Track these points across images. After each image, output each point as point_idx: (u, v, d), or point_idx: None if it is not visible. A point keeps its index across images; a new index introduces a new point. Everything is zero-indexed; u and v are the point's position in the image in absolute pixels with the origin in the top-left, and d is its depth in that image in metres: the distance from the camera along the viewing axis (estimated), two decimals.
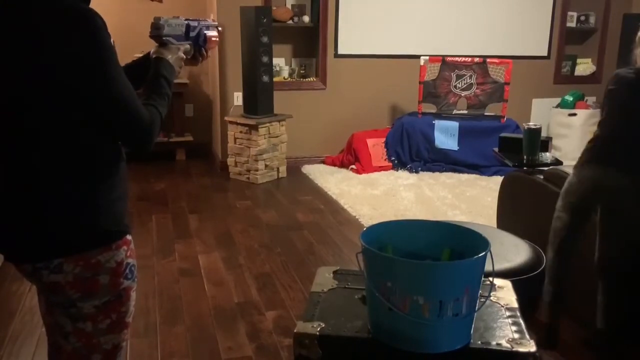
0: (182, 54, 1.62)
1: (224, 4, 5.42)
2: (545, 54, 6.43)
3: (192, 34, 1.68)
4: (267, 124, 5.23)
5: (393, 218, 3.92)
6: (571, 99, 6.24)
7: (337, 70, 5.87)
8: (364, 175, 5.43)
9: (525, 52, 6.31)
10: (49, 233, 1.35)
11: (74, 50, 1.26)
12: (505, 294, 1.57)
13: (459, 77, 5.76)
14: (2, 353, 2.58)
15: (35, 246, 1.36)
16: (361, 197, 4.80)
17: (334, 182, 5.24)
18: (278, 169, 5.43)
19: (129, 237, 1.45)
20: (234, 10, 5.26)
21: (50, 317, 1.47)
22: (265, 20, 5.09)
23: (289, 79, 5.90)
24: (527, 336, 1.36)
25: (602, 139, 2.53)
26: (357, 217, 4.37)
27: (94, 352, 1.44)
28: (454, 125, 5.67)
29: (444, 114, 5.79)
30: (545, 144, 3.48)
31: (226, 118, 5.41)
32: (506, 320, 1.44)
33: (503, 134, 3.86)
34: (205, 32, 1.72)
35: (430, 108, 5.82)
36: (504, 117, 5.72)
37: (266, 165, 5.30)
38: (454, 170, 5.58)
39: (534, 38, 6.36)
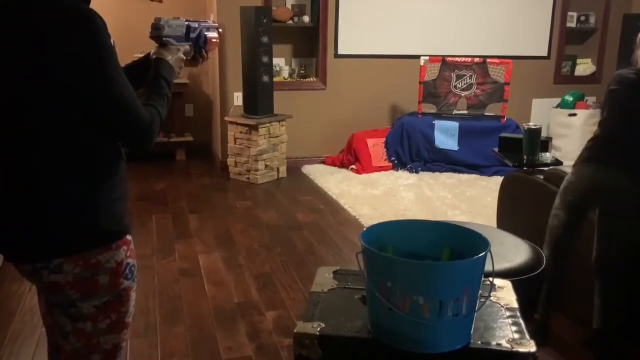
0: (182, 55, 1.62)
1: (224, 4, 5.43)
2: (545, 54, 6.43)
3: (193, 35, 1.68)
4: (267, 124, 5.23)
5: (393, 218, 3.92)
6: (571, 99, 6.24)
7: (337, 70, 5.87)
8: (364, 175, 5.43)
9: (525, 52, 6.31)
10: (48, 233, 1.35)
11: (74, 50, 1.26)
12: (505, 294, 1.57)
13: (459, 77, 5.76)
14: (2, 353, 2.58)
15: (35, 246, 1.36)
16: (361, 197, 4.80)
17: (334, 182, 5.24)
18: (278, 169, 5.43)
19: (129, 237, 1.45)
20: (234, 10, 5.26)
21: (50, 317, 1.47)
22: (265, 20, 5.09)
23: (289, 79, 5.90)
24: (527, 336, 1.36)
25: (602, 139, 2.53)
26: (357, 217, 4.37)
27: (93, 352, 1.44)
28: (454, 125, 5.67)
29: (444, 114, 5.79)
30: (545, 144, 3.48)
31: (226, 118, 5.41)
32: (506, 320, 1.44)
33: (503, 134, 3.86)
34: (205, 33, 1.72)
35: (430, 108, 5.82)
36: (504, 117, 5.72)
37: (266, 165, 5.31)
38: (454, 170, 5.58)
39: (534, 38, 6.36)
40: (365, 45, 5.90)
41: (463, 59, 5.74)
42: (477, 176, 5.46)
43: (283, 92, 5.58)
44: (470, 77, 5.75)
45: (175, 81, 1.61)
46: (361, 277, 1.44)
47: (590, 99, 6.44)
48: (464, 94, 5.80)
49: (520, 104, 6.29)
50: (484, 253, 1.30)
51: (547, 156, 3.45)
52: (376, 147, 5.70)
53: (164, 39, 1.58)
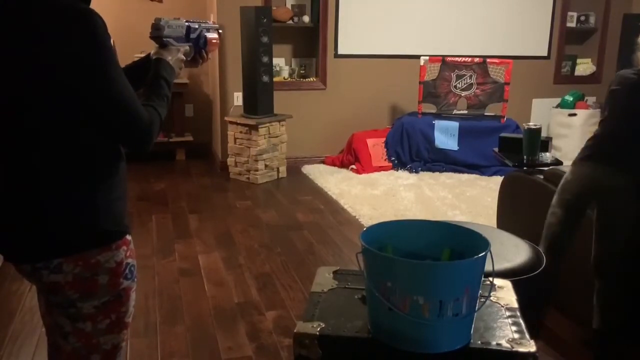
0: (182, 56, 1.63)
1: (224, 4, 5.43)
2: (545, 54, 6.43)
3: (193, 35, 1.68)
4: (267, 124, 5.23)
5: (393, 218, 3.92)
6: (571, 99, 6.24)
7: (337, 70, 5.87)
8: (364, 175, 5.43)
9: (525, 52, 6.31)
10: (48, 233, 1.35)
11: (74, 50, 1.26)
12: (505, 294, 1.57)
13: (459, 77, 5.76)
14: (2, 353, 2.58)
15: (35, 246, 1.36)
16: (361, 197, 4.80)
17: (334, 182, 5.24)
18: (278, 169, 5.43)
19: (128, 237, 1.45)
20: (234, 10, 5.27)
21: (50, 317, 1.47)
22: (265, 20, 5.09)
23: (289, 79, 5.90)
24: (527, 336, 1.36)
25: (601, 138, 2.54)
26: (357, 217, 4.37)
27: (93, 352, 1.44)
28: (454, 125, 5.67)
29: (444, 114, 5.79)
30: (545, 144, 3.48)
31: (226, 118, 5.41)
32: (506, 320, 1.44)
33: (503, 134, 3.86)
34: (205, 34, 1.72)
35: (430, 108, 5.83)
36: (504, 117, 5.72)
37: (266, 165, 5.31)
38: (454, 170, 5.58)
39: (534, 38, 6.36)
40: (365, 45, 5.90)
41: (463, 59, 5.75)
42: (477, 176, 5.46)
43: (283, 92, 5.59)
44: (470, 77, 5.75)
45: (175, 81, 1.61)
46: (361, 277, 1.44)
47: (590, 99, 6.44)
48: (464, 94, 5.80)
49: (520, 104, 6.29)
50: (484, 253, 1.30)
51: (547, 156, 3.45)
52: (376, 147, 5.70)
53: (164, 39, 1.58)
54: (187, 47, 1.66)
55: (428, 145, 5.67)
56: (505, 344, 1.33)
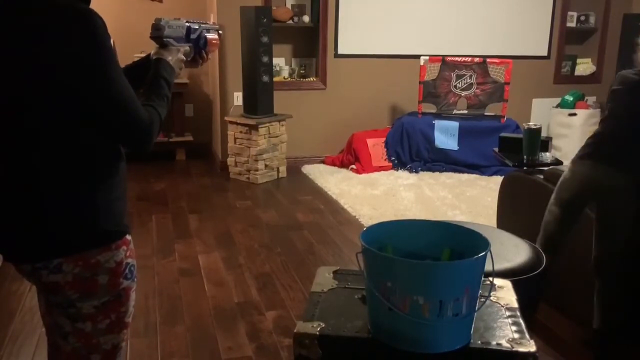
0: (183, 56, 1.63)
1: (224, 4, 5.43)
2: (545, 54, 6.43)
3: (193, 36, 1.68)
4: (267, 124, 5.23)
5: (393, 218, 3.92)
6: (571, 99, 6.24)
7: (337, 70, 5.88)
8: (364, 175, 5.43)
9: (525, 52, 6.31)
10: (48, 233, 1.35)
11: (74, 50, 1.26)
12: (505, 294, 1.57)
13: (459, 77, 5.76)
14: (2, 353, 2.58)
15: (35, 246, 1.36)
16: (361, 197, 4.80)
17: (334, 182, 5.24)
18: (278, 169, 5.43)
19: (128, 237, 1.45)
20: (234, 10, 5.27)
21: (50, 317, 1.47)
22: (265, 20, 5.09)
23: (289, 79, 5.90)
24: (527, 336, 1.36)
25: (601, 137, 2.54)
26: (357, 217, 4.37)
27: (93, 352, 1.44)
28: (454, 125, 5.67)
29: (444, 114, 5.79)
30: (545, 144, 3.48)
31: (226, 118, 5.41)
32: (506, 320, 1.44)
33: (503, 134, 3.86)
34: (205, 34, 1.72)
35: (430, 108, 5.83)
36: (504, 117, 5.72)
37: (266, 165, 5.31)
38: (454, 170, 5.58)
39: (534, 38, 6.36)
40: (365, 45, 5.90)
41: (463, 58, 5.75)
42: (477, 176, 5.46)
43: (283, 92, 5.59)
44: (470, 77, 5.75)
45: (176, 81, 1.61)
46: (361, 277, 1.44)
47: (590, 99, 6.44)
48: (464, 93, 5.80)
49: (520, 104, 6.29)
50: (484, 253, 1.30)
51: (547, 156, 3.45)
52: (376, 147, 5.70)
53: (164, 39, 1.58)
54: (188, 48, 1.66)
55: (428, 145, 5.67)
56: (505, 344, 1.33)
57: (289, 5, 5.83)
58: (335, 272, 1.68)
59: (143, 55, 1.66)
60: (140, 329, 2.78)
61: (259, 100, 5.17)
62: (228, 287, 3.26)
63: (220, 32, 1.82)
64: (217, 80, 5.70)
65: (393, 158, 5.67)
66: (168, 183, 5.25)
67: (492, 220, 3.75)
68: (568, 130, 6.09)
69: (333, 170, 5.65)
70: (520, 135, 3.49)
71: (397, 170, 5.59)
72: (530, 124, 3.40)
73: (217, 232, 4.07)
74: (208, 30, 1.74)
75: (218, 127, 5.80)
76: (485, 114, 5.83)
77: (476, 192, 4.95)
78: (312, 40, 5.91)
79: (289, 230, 4.13)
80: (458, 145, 5.64)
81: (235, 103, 5.56)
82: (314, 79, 5.91)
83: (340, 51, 5.86)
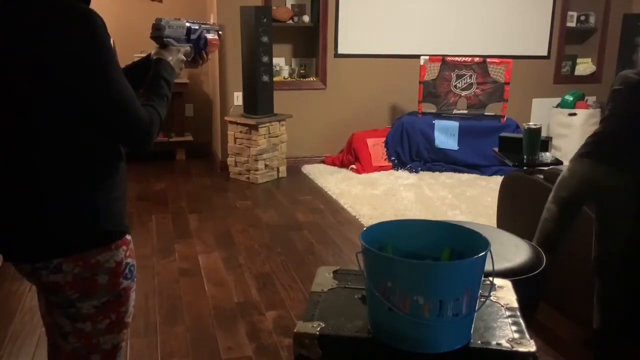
0: (183, 56, 1.63)
1: (224, 4, 5.43)
2: (545, 53, 6.43)
3: (193, 36, 1.68)
4: (267, 124, 5.23)
5: (393, 218, 3.92)
6: (571, 98, 6.24)
7: (337, 70, 5.88)
8: (364, 175, 5.43)
9: (525, 52, 6.31)
10: (48, 233, 1.35)
11: (74, 50, 1.26)
12: (505, 294, 1.57)
13: (459, 77, 5.76)
14: (2, 353, 2.58)
15: (35, 246, 1.36)
16: (361, 197, 4.80)
17: (334, 182, 5.24)
18: (278, 169, 5.43)
19: (128, 237, 1.45)
20: (234, 10, 5.27)
21: (50, 317, 1.47)
22: (265, 20, 5.09)
23: (289, 78, 5.90)
24: (527, 336, 1.36)
25: (602, 136, 2.54)
26: (357, 217, 4.37)
27: (93, 352, 1.44)
28: (454, 125, 5.67)
29: (444, 114, 5.79)
30: (545, 144, 3.48)
31: (226, 118, 5.41)
32: (506, 320, 1.44)
33: (503, 134, 3.86)
34: (206, 35, 1.72)
35: (430, 108, 5.83)
36: (504, 117, 5.72)
37: (266, 165, 5.31)
38: (454, 170, 5.58)
39: (534, 38, 6.36)
40: (365, 45, 5.90)
41: (463, 58, 5.75)
42: (477, 176, 5.46)
43: (283, 92, 5.59)
44: (470, 76, 5.75)
45: (176, 81, 1.61)
46: (361, 277, 1.44)
47: (591, 99, 6.44)
48: (464, 93, 5.80)
49: (520, 104, 6.29)
50: (484, 253, 1.30)
51: (547, 156, 3.45)
52: (376, 147, 5.70)
53: (164, 39, 1.58)
54: (188, 48, 1.66)
55: (428, 145, 5.67)
56: (505, 344, 1.33)
57: (289, 5, 5.83)
58: (335, 272, 1.68)
59: (143, 55, 1.66)
60: (140, 329, 2.78)
61: (259, 100, 5.17)
62: (228, 287, 3.26)
63: (220, 32, 1.82)
64: (217, 80, 5.70)
65: (393, 158, 5.67)
66: (168, 183, 5.25)
67: (492, 220, 3.75)
68: (568, 130, 6.09)
69: (333, 170, 5.65)
70: (520, 135, 3.49)
71: (397, 170, 5.59)
72: (530, 123, 3.40)
73: (217, 232, 4.07)
74: (208, 31, 1.74)
75: (218, 127, 5.81)
76: (485, 114, 5.83)
77: (476, 192, 4.95)
78: (312, 40, 5.91)
79: (289, 230, 4.13)
80: (458, 145, 5.64)
81: (235, 103, 5.56)
82: (314, 79, 5.91)
83: (340, 51, 5.86)
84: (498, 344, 1.33)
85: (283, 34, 5.74)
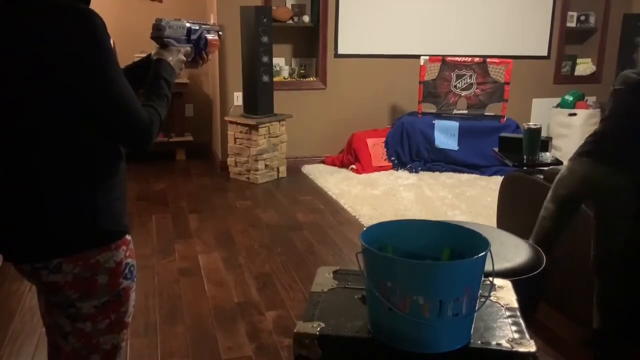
0: (183, 57, 1.63)
1: (224, 4, 5.43)
2: (545, 53, 6.43)
3: (194, 36, 1.68)
4: (267, 124, 5.23)
5: (393, 218, 3.92)
6: (571, 98, 6.24)
7: (337, 70, 5.88)
8: (364, 175, 5.43)
9: (525, 52, 6.31)
10: (48, 233, 1.35)
11: (74, 50, 1.26)
12: (505, 294, 1.57)
13: (459, 77, 5.76)
14: (2, 353, 2.58)
15: (35, 246, 1.36)
16: (361, 197, 4.80)
17: (334, 182, 5.24)
18: (278, 169, 5.43)
19: (128, 237, 1.45)
20: (234, 10, 5.27)
21: (50, 317, 1.47)
22: (265, 20, 5.09)
23: (289, 79, 5.90)
24: (527, 336, 1.36)
25: (602, 136, 2.54)
26: (357, 217, 4.37)
27: (93, 352, 1.44)
28: (454, 125, 5.67)
29: (444, 114, 5.79)
30: (545, 144, 3.48)
31: (226, 118, 5.41)
32: (506, 320, 1.44)
33: (503, 134, 3.87)
34: (206, 35, 1.72)
35: (430, 108, 5.83)
36: (504, 117, 5.72)
37: (266, 165, 5.31)
38: (454, 170, 5.58)
39: (534, 38, 6.36)
40: (365, 45, 5.90)
41: (463, 58, 5.75)
42: (477, 176, 5.46)
43: (283, 92, 5.59)
44: (470, 76, 5.75)
45: (176, 81, 1.61)
46: (361, 277, 1.44)
47: (590, 99, 6.44)
48: (464, 93, 5.80)
49: (520, 104, 6.29)
50: (484, 253, 1.30)
51: (547, 156, 3.45)
52: (376, 147, 5.70)
53: (165, 40, 1.58)
54: (188, 48, 1.66)
55: (428, 145, 5.67)
56: (505, 344, 1.33)
57: (289, 5, 5.83)
58: (335, 272, 1.68)
59: (143, 55, 1.66)
60: (140, 329, 2.78)
61: (259, 100, 5.17)
62: (228, 287, 3.26)
63: (220, 32, 1.82)
64: (217, 80, 5.70)
65: (393, 158, 5.67)
66: (168, 183, 5.25)
67: (492, 220, 3.75)
68: (568, 130, 6.09)
69: (333, 170, 5.65)
70: (520, 135, 3.49)
71: (397, 170, 5.59)
72: (530, 124, 3.40)
73: (217, 232, 4.07)
74: (208, 31, 1.74)
75: (218, 127, 5.81)
76: (485, 114, 5.83)
77: (476, 192, 4.95)
78: (312, 40, 5.91)
79: (289, 230, 4.13)
80: (458, 145, 5.64)
81: (235, 103, 5.56)
82: (314, 79, 5.91)
83: (340, 51, 5.86)
84: (498, 344, 1.33)
85: (283, 34, 5.74)
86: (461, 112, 5.83)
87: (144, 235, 3.97)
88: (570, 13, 6.46)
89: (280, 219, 4.38)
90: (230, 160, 5.43)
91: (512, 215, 3.41)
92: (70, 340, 1.43)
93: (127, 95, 1.35)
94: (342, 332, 1.38)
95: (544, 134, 3.89)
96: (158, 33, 1.57)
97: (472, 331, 1.35)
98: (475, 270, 1.31)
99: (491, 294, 1.52)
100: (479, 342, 1.34)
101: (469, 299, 1.29)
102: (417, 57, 5.73)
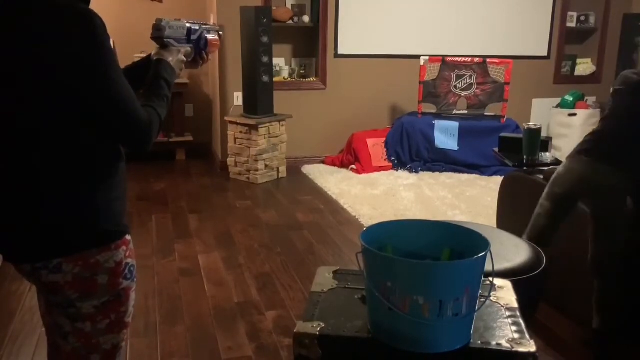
0: (183, 57, 1.63)
1: (224, 4, 5.43)
2: (545, 54, 6.43)
3: (194, 37, 1.68)
4: (267, 124, 5.24)
5: (393, 218, 3.92)
6: (571, 99, 6.24)
7: (337, 70, 5.88)
8: (364, 175, 5.43)
9: (525, 52, 6.31)
10: (48, 233, 1.35)
11: (74, 50, 1.26)
12: (505, 294, 1.57)
13: (459, 77, 5.76)
14: (2, 353, 2.58)
15: (35, 246, 1.36)
16: (361, 197, 4.80)
17: (334, 182, 5.24)
18: (278, 169, 5.43)
19: (128, 237, 1.45)
20: (234, 10, 5.27)
21: (50, 317, 1.47)
22: (265, 20, 5.09)
23: (289, 79, 5.90)
24: (527, 336, 1.36)
25: (601, 135, 2.55)
26: (357, 217, 4.37)
27: (93, 352, 1.44)
28: (454, 125, 5.67)
29: (444, 114, 5.79)
30: (545, 144, 3.49)
31: (226, 118, 5.41)
32: (506, 320, 1.44)
33: (503, 134, 3.87)
34: (206, 35, 1.72)
35: (430, 108, 5.83)
36: (504, 117, 5.72)
37: (266, 165, 5.31)
38: (454, 170, 5.58)
39: (534, 38, 6.36)
40: (365, 45, 5.90)
41: (463, 59, 5.75)
42: (477, 176, 5.46)
43: (283, 92, 5.59)
44: (470, 77, 5.75)
45: (176, 81, 1.61)
46: (361, 277, 1.44)
47: (590, 99, 6.44)
48: (464, 94, 5.80)
49: (520, 104, 6.29)
50: (484, 253, 1.30)
51: (547, 156, 3.46)
52: (376, 147, 5.70)
53: (165, 40, 1.58)
54: (188, 48, 1.66)
55: (428, 145, 5.67)
56: (505, 344, 1.33)
57: (289, 5, 5.83)
58: (335, 272, 1.68)
59: (143, 55, 1.66)
60: (140, 329, 2.78)
61: (259, 100, 5.17)
62: (228, 287, 3.26)
63: (220, 33, 1.82)
64: (217, 80, 5.70)
65: (393, 158, 5.67)
66: (168, 183, 5.25)
67: (492, 220, 3.75)
68: (568, 131, 6.09)
69: (333, 170, 5.65)
70: (520, 135, 3.49)
71: (397, 170, 5.59)
72: (530, 124, 3.40)
73: (217, 232, 4.07)
74: (208, 31, 1.74)
75: (218, 127, 5.81)
76: (485, 114, 5.83)
77: (476, 192, 4.95)
78: (312, 40, 5.91)
79: (289, 230, 4.13)
80: (458, 145, 5.64)
81: (235, 103, 5.56)
82: (314, 79, 5.91)
83: (340, 51, 5.86)
84: (498, 344, 1.33)
85: (283, 34, 5.74)
86: (461, 112, 5.83)
87: (144, 235, 3.97)
88: (570, 13, 6.46)
89: (280, 219, 4.38)
90: (230, 161, 5.43)
91: (512, 215, 3.41)
92: (70, 340, 1.43)
93: (127, 96, 1.35)
94: (342, 332, 1.38)
95: (544, 134, 3.89)
96: (158, 33, 1.57)
97: (472, 331, 1.35)
98: (475, 270, 1.31)
99: (491, 294, 1.52)
100: (479, 342, 1.34)
101: (469, 299, 1.29)
102: (417, 57, 5.73)
